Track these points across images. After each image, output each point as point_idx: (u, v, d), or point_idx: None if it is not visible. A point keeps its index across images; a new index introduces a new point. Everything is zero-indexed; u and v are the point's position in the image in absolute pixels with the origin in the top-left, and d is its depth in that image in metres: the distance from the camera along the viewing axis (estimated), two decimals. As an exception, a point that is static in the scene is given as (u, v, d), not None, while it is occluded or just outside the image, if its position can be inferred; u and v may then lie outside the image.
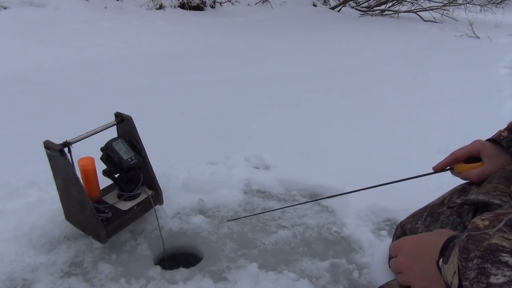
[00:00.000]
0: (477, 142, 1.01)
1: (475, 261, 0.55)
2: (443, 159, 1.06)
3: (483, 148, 0.99)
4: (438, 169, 1.07)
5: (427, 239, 0.69)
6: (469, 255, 0.56)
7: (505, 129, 1.00)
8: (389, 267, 0.74)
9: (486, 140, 1.02)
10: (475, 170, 0.99)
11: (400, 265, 0.70)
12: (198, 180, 1.66)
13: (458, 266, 0.57)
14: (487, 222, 0.59)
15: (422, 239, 0.70)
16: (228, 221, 1.45)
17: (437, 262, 0.63)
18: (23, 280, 1.14)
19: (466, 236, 0.59)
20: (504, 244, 0.54)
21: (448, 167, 1.06)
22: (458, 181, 1.10)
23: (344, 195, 1.60)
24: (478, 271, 0.54)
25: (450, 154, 1.04)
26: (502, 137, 0.98)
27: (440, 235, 0.66)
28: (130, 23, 5.12)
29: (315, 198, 1.63)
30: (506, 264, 0.53)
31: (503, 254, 0.53)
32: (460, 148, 1.03)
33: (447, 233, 0.67)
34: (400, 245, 0.72)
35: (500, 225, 0.57)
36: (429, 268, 0.64)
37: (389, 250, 0.74)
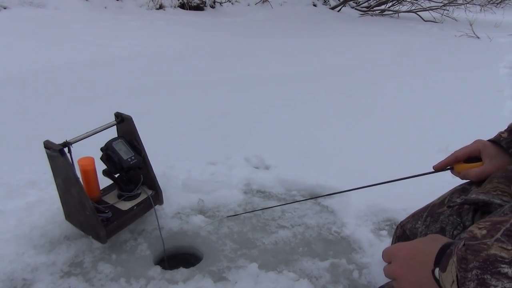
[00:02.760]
0: (478, 142, 1.01)
1: (474, 271, 0.55)
2: (443, 158, 1.06)
3: (484, 148, 0.99)
4: (439, 168, 1.06)
5: (421, 246, 0.68)
6: (468, 265, 0.56)
7: (505, 130, 1.00)
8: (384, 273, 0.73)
9: (487, 140, 1.01)
10: (474, 169, 0.99)
11: (394, 273, 0.70)
12: (198, 180, 1.66)
13: (457, 276, 0.56)
14: (484, 231, 0.59)
15: (416, 247, 0.69)
16: (228, 216, 1.46)
17: (433, 271, 0.63)
18: (23, 280, 1.15)
19: (464, 245, 0.58)
20: (503, 254, 0.54)
21: (449, 167, 1.06)
22: (459, 181, 1.10)
23: (345, 194, 1.60)
24: (478, 282, 0.54)
25: (451, 154, 1.04)
26: (502, 138, 0.98)
27: (434, 243, 0.66)
28: (130, 23, 5.12)
29: (315, 198, 1.63)
30: (506, 275, 0.53)
31: (502, 265, 0.53)
32: (461, 148, 1.03)
33: (441, 240, 0.67)
34: (394, 252, 0.72)
35: (498, 235, 0.57)
36: (424, 276, 0.64)
37: (382, 256, 0.74)
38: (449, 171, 1.07)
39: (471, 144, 1.02)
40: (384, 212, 1.53)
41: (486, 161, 0.97)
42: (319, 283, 1.19)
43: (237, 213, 1.48)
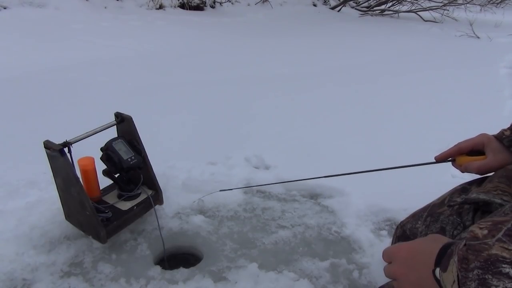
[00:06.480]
0: (482, 135, 1.00)
1: (475, 271, 0.55)
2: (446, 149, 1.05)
3: (488, 141, 0.98)
4: (440, 159, 1.06)
5: (422, 246, 0.68)
6: (469, 265, 0.55)
7: (508, 128, 0.99)
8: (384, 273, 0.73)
9: (491, 135, 1.01)
10: (476, 162, 0.98)
11: (394, 273, 0.69)
12: (198, 180, 1.66)
13: (458, 276, 0.56)
14: (485, 231, 0.58)
15: (416, 247, 0.69)
16: (220, 190, 1.49)
17: (433, 271, 0.62)
18: (23, 280, 1.15)
19: (465, 245, 0.58)
20: (504, 254, 0.54)
21: (450, 158, 1.05)
22: (458, 182, 1.10)
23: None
24: (479, 281, 0.54)
25: (454, 145, 1.04)
26: (504, 136, 0.98)
27: (434, 243, 0.66)
28: (130, 23, 5.12)
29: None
30: (507, 275, 0.52)
31: (503, 265, 0.53)
32: (465, 140, 1.02)
33: (441, 239, 0.67)
34: (394, 251, 0.71)
35: (500, 235, 0.57)
36: (424, 276, 0.64)
37: (382, 256, 0.74)
38: (449, 163, 1.06)
39: (475, 137, 1.01)
40: (384, 212, 1.52)
41: (490, 155, 0.97)
42: (319, 283, 1.19)
43: (231, 188, 1.51)
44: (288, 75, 3.37)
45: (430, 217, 1.02)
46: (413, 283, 0.66)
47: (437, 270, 0.61)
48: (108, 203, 1.33)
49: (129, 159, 1.29)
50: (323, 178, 1.37)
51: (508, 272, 0.52)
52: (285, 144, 2.07)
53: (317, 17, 7.12)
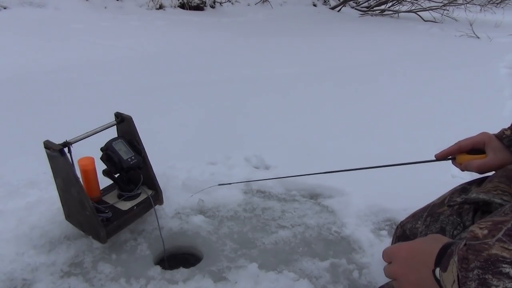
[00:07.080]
0: (483, 134, 1.00)
1: (475, 271, 0.55)
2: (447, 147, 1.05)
3: (489, 140, 0.98)
4: (440, 157, 1.06)
5: (422, 246, 0.68)
6: (469, 265, 0.56)
7: (508, 128, 0.99)
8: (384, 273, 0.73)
9: (492, 134, 1.01)
10: (476, 160, 0.98)
11: (394, 273, 0.70)
12: (198, 180, 1.66)
13: (458, 276, 0.56)
14: (486, 231, 0.58)
15: (416, 247, 0.69)
16: (219, 185, 1.50)
17: (433, 271, 0.62)
18: (23, 280, 1.15)
19: (465, 245, 0.58)
20: (504, 254, 0.54)
21: (450, 157, 1.05)
22: (458, 182, 1.10)
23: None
24: (479, 281, 0.54)
25: (455, 144, 1.03)
26: (504, 136, 0.98)
27: (434, 243, 0.66)
28: (130, 23, 5.12)
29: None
30: (507, 275, 0.52)
31: (503, 265, 0.53)
32: (466, 138, 1.02)
33: (441, 239, 0.67)
34: (394, 251, 0.72)
35: (500, 235, 0.56)
36: (424, 276, 0.64)
37: (382, 256, 0.74)
38: (449, 162, 1.06)
39: (476, 135, 1.01)
40: (384, 212, 1.52)
41: (490, 154, 0.96)
42: (319, 283, 1.19)
43: (230, 182, 1.52)
44: (288, 75, 3.37)
45: (430, 217, 1.02)
46: (413, 283, 0.66)
47: (437, 270, 0.61)
48: (108, 203, 1.33)
49: (129, 159, 1.29)
50: (323, 175, 1.36)
51: (508, 272, 0.52)
52: (285, 144, 2.07)
53: (317, 17, 7.12)
